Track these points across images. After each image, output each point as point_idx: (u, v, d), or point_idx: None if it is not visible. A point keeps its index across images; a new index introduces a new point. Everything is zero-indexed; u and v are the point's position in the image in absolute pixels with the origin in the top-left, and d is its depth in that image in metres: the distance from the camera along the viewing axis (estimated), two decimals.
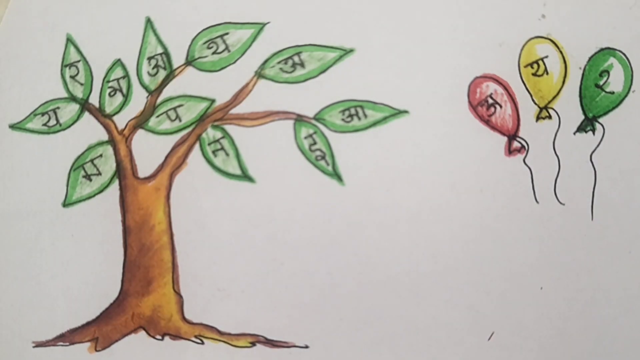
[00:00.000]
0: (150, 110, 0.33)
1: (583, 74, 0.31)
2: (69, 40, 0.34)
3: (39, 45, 0.34)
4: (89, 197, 0.32)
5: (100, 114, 0.33)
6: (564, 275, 0.30)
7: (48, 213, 0.32)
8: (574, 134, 0.31)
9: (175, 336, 0.30)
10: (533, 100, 0.31)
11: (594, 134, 0.31)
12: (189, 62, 0.33)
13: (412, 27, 0.32)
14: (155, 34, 0.33)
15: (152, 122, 0.33)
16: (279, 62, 0.32)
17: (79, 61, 0.34)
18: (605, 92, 0.31)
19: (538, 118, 0.31)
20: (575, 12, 0.32)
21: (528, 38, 0.32)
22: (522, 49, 0.32)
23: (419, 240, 0.30)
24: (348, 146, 0.31)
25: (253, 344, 0.30)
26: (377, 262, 0.30)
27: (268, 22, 0.33)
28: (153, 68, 0.33)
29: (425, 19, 0.32)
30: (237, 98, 0.32)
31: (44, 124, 0.33)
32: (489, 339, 0.30)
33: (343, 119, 0.32)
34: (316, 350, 0.30)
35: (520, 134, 0.31)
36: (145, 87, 0.33)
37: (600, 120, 0.31)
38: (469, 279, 0.30)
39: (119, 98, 0.33)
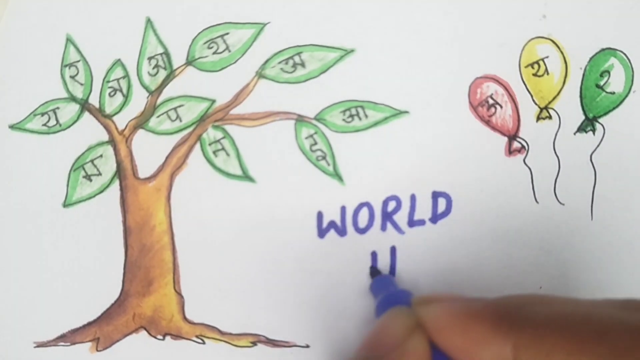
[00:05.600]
0: (150, 110, 0.33)
1: (584, 74, 0.31)
2: (69, 40, 0.34)
3: (39, 45, 0.34)
4: (89, 198, 0.32)
5: (100, 114, 0.33)
6: (564, 275, 0.30)
7: (48, 213, 0.32)
8: (574, 134, 0.31)
9: (177, 336, 0.31)
10: (533, 100, 0.31)
11: (594, 134, 0.31)
12: (190, 62, 0.33)
13: (413, 28, 0.32)
14: (156, 34, 0.33)
15: (153, 122, 0.33)
16: (279, 62, 0.32)
17: (78, 61, 0.34)
18: (606, 92, 0.31)
19: (538, 118, 0.31)
20: (576, 12, 0.32)
21: (529, 38, 0.32)
22: (522, 49, 0.32)
23: (419, 241, 0.30)
24: (349, 146, 0.31)
25: (254, 343, 0.30)
26: (378, 262, 0.30)
27: (269, 22, 0.33)
28: (153, 68, 0.33)
29: (425, 19, 0.32)
30: (237, 98, 0.32)
31: (44, 124, 0.33)
32: None
33: (344, 119, 0.32)
34: (317, 350, 0.30)
35: (521, 134, 0.31)
36: (146, 87, 0.33)
37: (600, 120, 0.31)
38: (468, 279, 0.30)
39: (119, 98, 0.33)
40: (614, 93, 0.31)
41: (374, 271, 0.30)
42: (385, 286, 0.29)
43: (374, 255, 0.30)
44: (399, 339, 0.22)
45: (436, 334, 0.21)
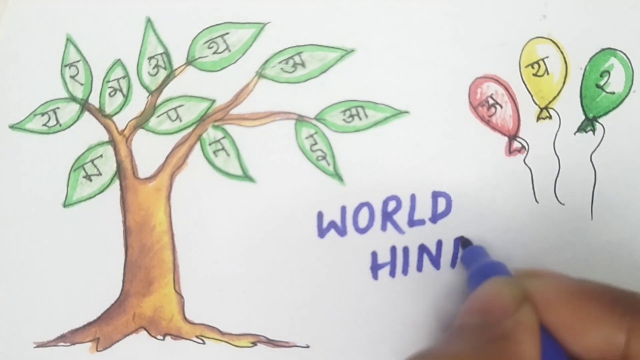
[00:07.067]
0: (150, 110, 0.33)
1: (584, 74, 0.31)
2: (69, 40, 0.34)
3: (39, 45, 0.34)
4: (90, 198, 0.32)
5: (100, 114, 0.33)
6: None
7: (48, 213, 0.32)
8: (575, 134, 0.31)
9: (177, 336, 0.31)
10: (534, 100, 0.31)
11: (594, 134, 0.31)
12: (190, 62, 0.33)
13: (413, 27, 0.32)
14: (156, 34, 0.33)
15: (153, 122, 0.33)
16: (279, 62, 0.32)
17: (78, 61, 0.34)
18: (606, 92, 0.31)
19: (538, 118, 0.31)
20: (576, 12, 0.32)
21: (529, 38, 0.32)
22: (522, 49, 0.32)
23: (419, 240, 0.30)
24: (349, 146, 0.31)
25: (254, 343, 0.30)
26: (378, 261, 0.30)
27: (269, 22, 0.33)
28: (153, 68, 0.33)
29: (425, 19, 0.32)
30: (237, 98, 0.32)
31: (44, 124, 0.33)
32: None
33: (344, 119, 0.32)
34: (317, 350, 0.30)
35: (521, 134, 0.31)
36: (146, 87, 0.33)
37: (600, 120, 0.31)
38: None
39: (119, 98, 0.33)
40: (614, 93, 0.31)
41: (465, 241, 0.30)
42: (477, 257, 0.28)
43: (374, 255, 0.30)
44: (510, 308, 0.20)
45: (544, 308, 0.20)
